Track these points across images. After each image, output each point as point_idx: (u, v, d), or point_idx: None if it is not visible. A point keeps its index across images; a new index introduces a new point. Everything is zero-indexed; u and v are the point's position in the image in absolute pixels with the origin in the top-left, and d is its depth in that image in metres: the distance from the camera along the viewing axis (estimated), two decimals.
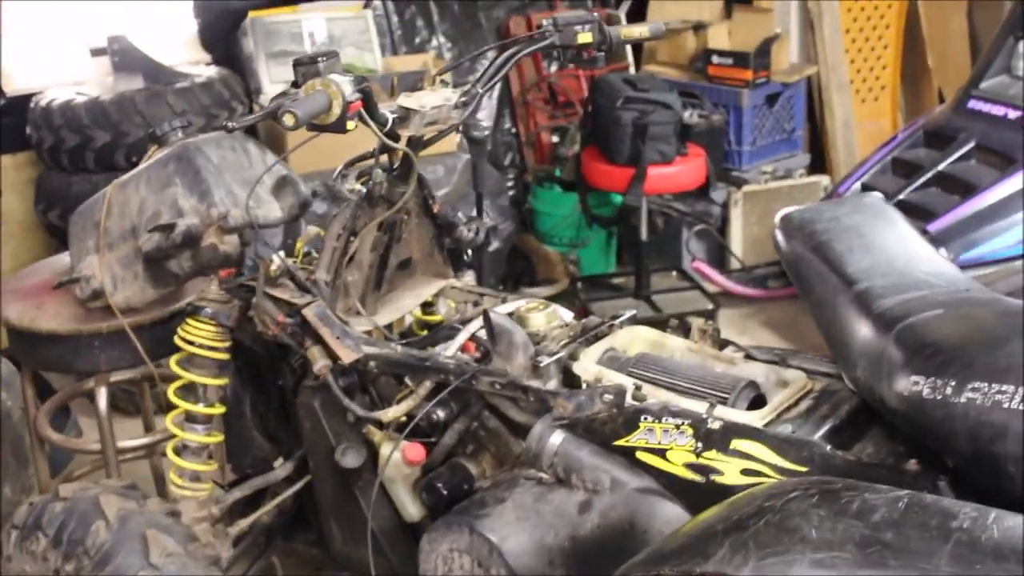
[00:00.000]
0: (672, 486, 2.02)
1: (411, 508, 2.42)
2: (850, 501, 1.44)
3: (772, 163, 5.35)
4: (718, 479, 1.96)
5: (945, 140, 4.64)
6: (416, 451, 2.36)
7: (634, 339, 2.36)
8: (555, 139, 5.45)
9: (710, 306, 4.82)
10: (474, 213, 4.30)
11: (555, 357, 2.23)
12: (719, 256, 5.31)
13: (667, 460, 2.02)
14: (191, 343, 2.46)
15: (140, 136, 4.09)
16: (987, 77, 4.68)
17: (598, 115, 4.79)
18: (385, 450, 2.39)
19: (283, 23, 4.70)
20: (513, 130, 5.57)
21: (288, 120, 1.95)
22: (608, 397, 2.08)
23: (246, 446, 2.78)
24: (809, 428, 2.00)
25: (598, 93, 4.80)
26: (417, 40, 5.37)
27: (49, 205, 4.37)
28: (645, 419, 2.04)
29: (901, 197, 4.44)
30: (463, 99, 2.40)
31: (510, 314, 2.39)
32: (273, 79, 4.59)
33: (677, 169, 4.64)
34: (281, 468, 2.67)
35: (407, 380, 2.44)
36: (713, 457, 1.97)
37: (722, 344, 2.35)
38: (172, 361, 2.50)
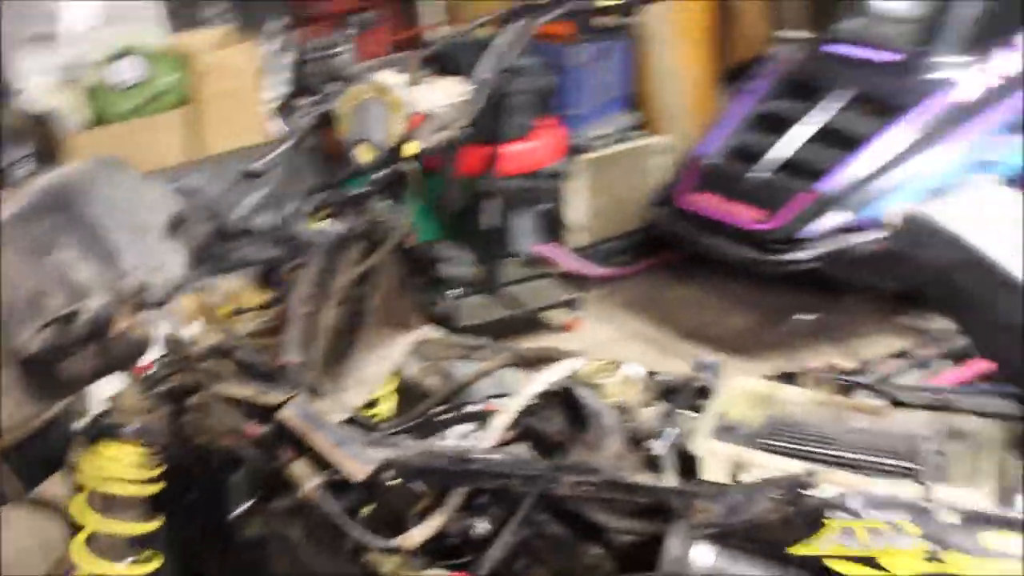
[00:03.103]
0: None
1: None
2: None
3: (605, 125, 4.85)
4: None
5: (811, 90, 4.28)
6: None
7: (738, 397, 1.79)
8: None
9: (573, 295, 4.29)
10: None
11: (669, 440, 1.63)
12: (554, 236, 4.77)
13: (883, 570, 1.46)
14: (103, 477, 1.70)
15: None
16: (843, 18, 4.35)
17: None
18: None
19: None
20: None
21: (366, 154, 1.28)
22: (776, 493, 1.49)
23: None
24: None
25: (437, 59, 4.13)
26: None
27: None
28: (837, 516, 1.47)
29: (780, 155, 4.05)
30: (472, 92, 1.75)
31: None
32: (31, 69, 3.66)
33: (536, 144, 4.07)
34: None
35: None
36: (963, 563, 1.42)
37: (843, 387, 1.82)
38: (77, 504, 1.72)
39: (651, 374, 1.86)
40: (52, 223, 1.66)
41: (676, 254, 4.69)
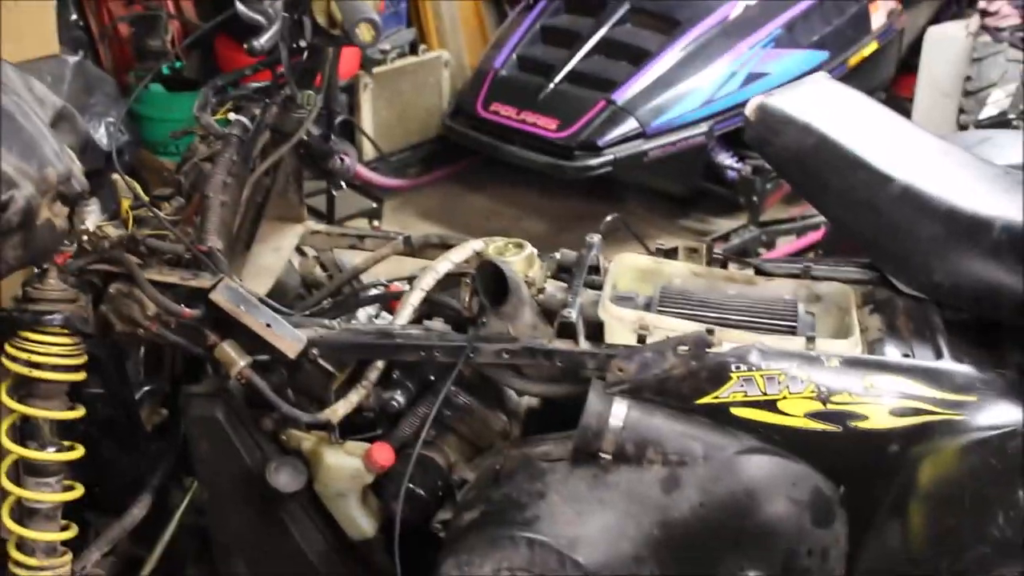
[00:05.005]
0: (788, 441, 1.68)
1: (364, 524, 1.91)
2: None
3: (384, 41, 4.91)
4: (861, 424, 1.65)
5: (591, 6, 4.49)
6: (385, 452, 1.83)
7: (626, 270, 1.96)
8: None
9: (373, 204, 4.37)
10: None
11: (576, 308, 1.78)
12: None
13: (780, 412, 1.68)
14: (30, 364, 1.71)
15: None
16: None
17: None
18: (332, 458, 1.84)
19: None
20: (80, 23, 4.64)
21: (368, 33, 1.34)
22: (683, 349, 1.68)
23: None
24: (922, 347, 1.75)
25: None
26: None
27: None
28: (738, 368, 1.67)
29: (571, 67, 4.26)
30: None
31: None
32: None
33: None
34: (138, 507, 1.96)
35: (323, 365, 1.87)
36: (848, 400, 1.65)
37: (721, 262, 2.02)
38: (2, 392, 1.73)
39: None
40: None
41: (465, 165, 4.84)
